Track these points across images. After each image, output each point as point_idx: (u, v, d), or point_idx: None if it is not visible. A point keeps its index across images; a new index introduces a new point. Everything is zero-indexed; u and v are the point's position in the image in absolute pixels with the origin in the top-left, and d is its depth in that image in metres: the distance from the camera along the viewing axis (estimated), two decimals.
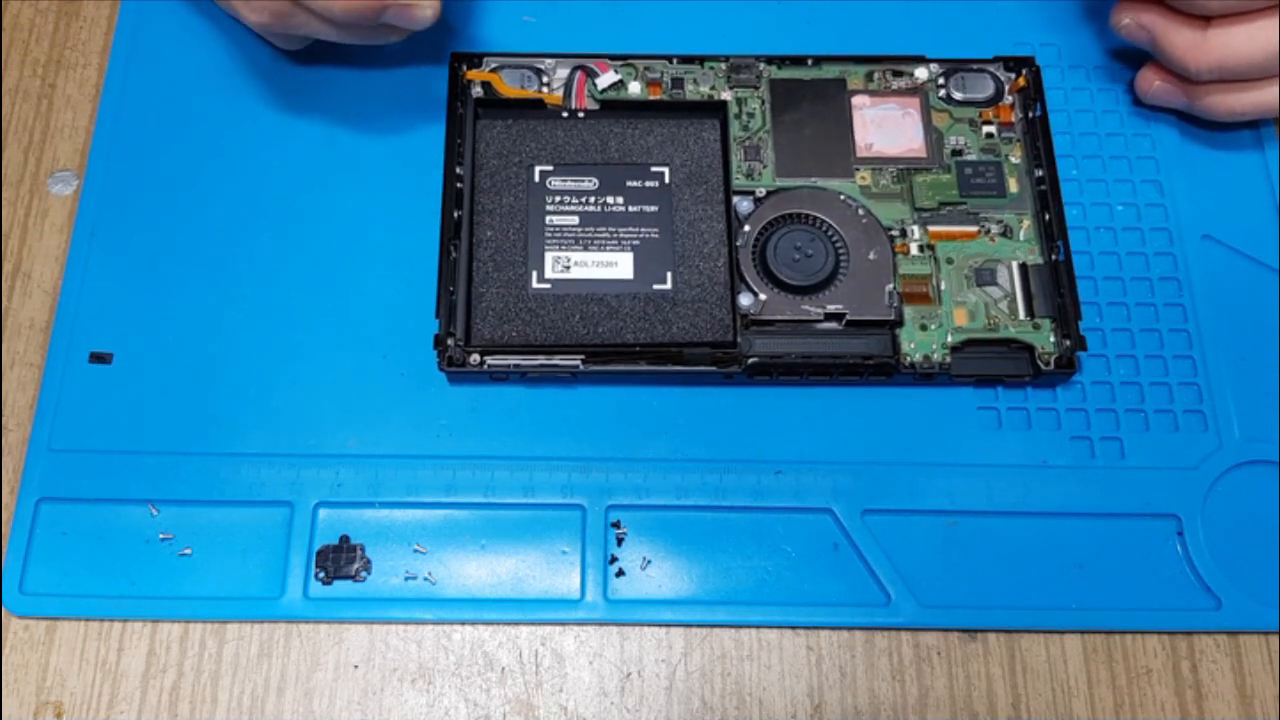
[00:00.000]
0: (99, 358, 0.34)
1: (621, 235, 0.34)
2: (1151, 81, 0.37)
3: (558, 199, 0.34)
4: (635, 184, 0.35)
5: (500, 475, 0.33)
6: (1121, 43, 0.37)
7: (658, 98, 0.36)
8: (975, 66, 0.37)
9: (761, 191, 0.35)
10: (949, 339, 0.34)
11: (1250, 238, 0.36)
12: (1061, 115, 0.38)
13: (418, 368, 0.34)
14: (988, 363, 0.34)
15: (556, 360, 0.33)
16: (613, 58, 0.37)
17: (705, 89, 0.37)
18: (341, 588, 0.31)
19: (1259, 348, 0.35)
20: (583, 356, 0.33)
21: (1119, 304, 0.35)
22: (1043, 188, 0.35)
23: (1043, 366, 0.33)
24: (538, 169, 0.35)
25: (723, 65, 0.37)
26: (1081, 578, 0.32)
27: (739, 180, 0.35)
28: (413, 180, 0.36)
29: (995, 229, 0.35)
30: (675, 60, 0.37)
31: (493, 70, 0.36)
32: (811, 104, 0.36)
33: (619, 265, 0.34)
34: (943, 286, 0.34)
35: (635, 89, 0.36)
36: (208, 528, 0.32)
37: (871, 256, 0.34)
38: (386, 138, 0.37)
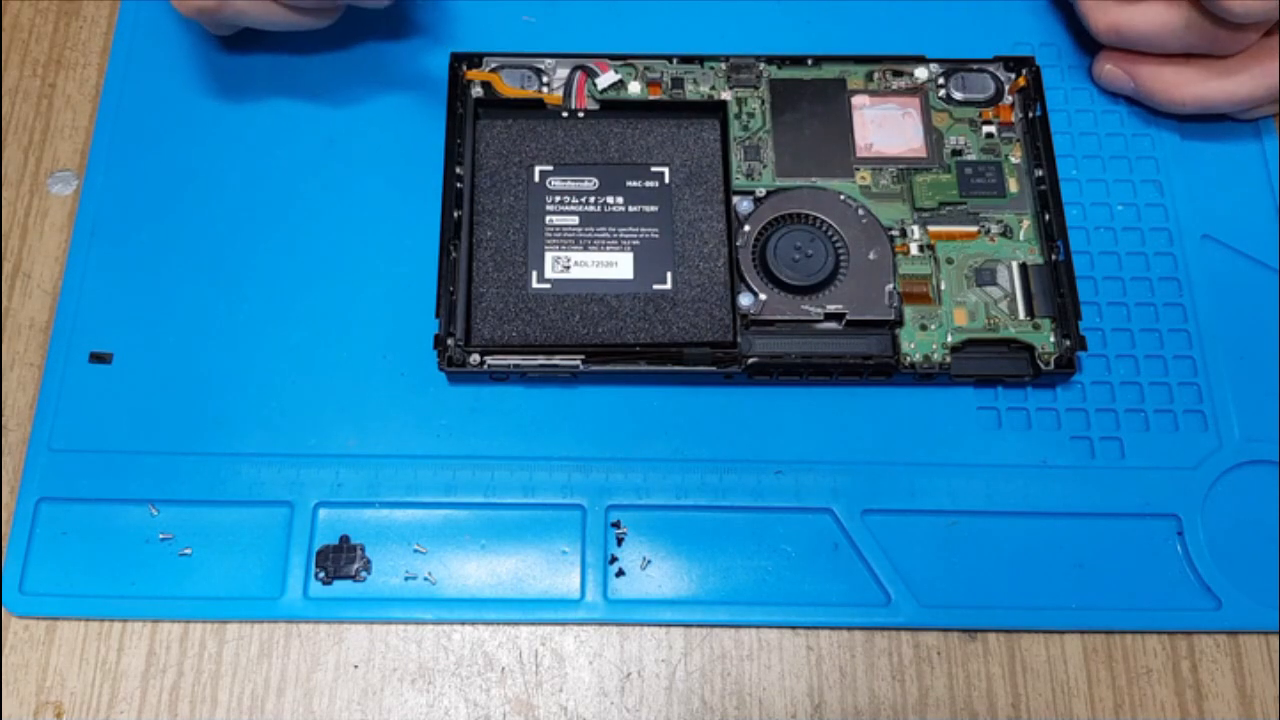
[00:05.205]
0: (99, 358, 0.34)
1: (621, 235, 0.34)
2: (1103, 65, 0.37)
3: (558, 199, 0.34)
4: (635, 184, 0.35)
5: (500, 475, 0.33)
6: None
7: (658, 98, 0.36)
8: (975, 66, 0.37)
9: (761, 191, 0.35)
10: (949, 339, 0.34)
11: (1250, 238, 0.36)
12: (1061, 115, 0.38)
13: (418, 368, 0.34)
14: (988, 363, 0.34)
15: (556, 360, 0.33)
16: (613, 58, 0.37)
17: (705, 89, 0.37)
18: (341, 588, 0.31)
19: (1259, 348, 0.35)
20: (583, 356, 0.33)
21: (1119, 304, 0.35)
22: (1043, 188, 0.35)
23: (1043, 366, 0.33)
24: (538, 169, 0.35)
25: (723, 65, 0.37)
26: (1081, 578, 0.32)
27: (739, 180, 0.35)
28: (413, 180, 0.36)
29: (995, 229, 0.35)
30: (675, 60, 0.37)
31: (493, 70, 0.36)
32: (811, 104, 0.36)
33: (619, 265, 0.34)
34: (943, 286, 0.34)
35: (635, 89, 0.36)
36: (208, 528, 0.32)
37: (871, 256, 0.34)
38: (386, 138, 0.37)
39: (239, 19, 0.34)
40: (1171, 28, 0.34)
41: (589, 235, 0.34)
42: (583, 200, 0.34)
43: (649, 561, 0.32)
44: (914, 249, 0.35)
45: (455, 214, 0.34)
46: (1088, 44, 0.39)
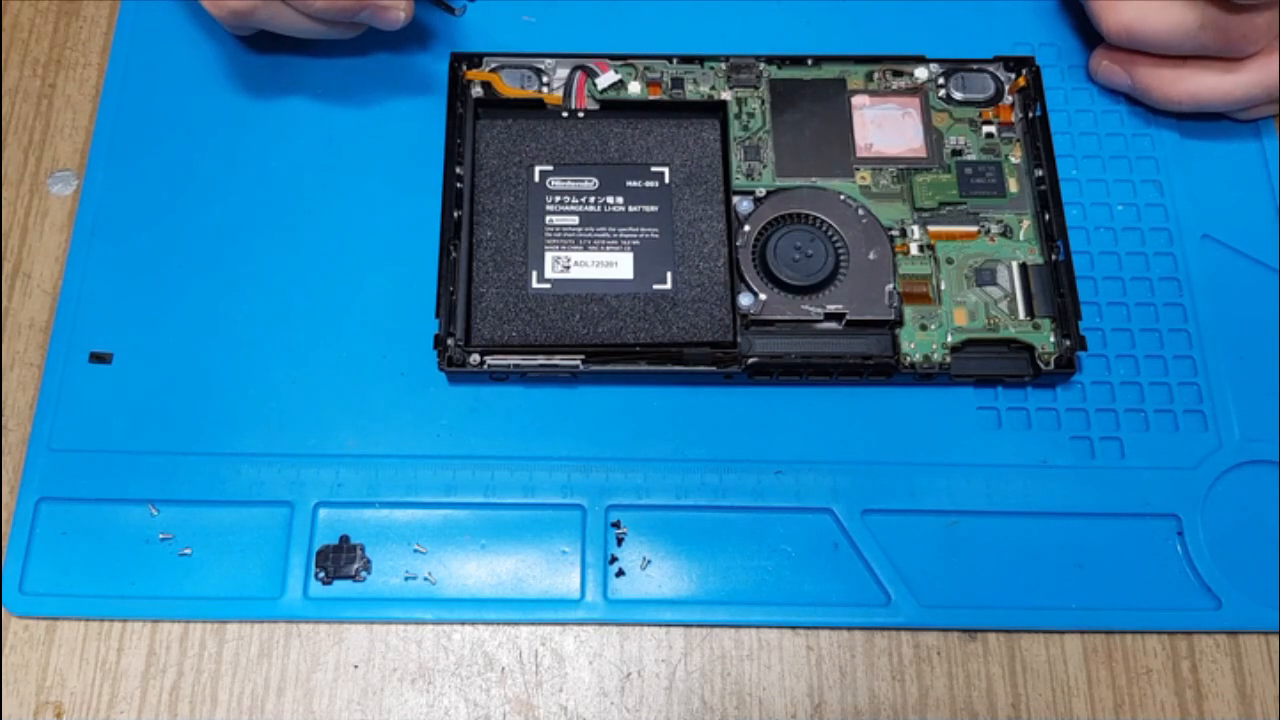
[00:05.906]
0: (99, 358, 0.34)
1: (621, 235, 0.34)
2: (1100, 60, 0.37)
3: (558, 199, 0.34)
4: (635, 184, 0.35)
5: (500, 475, 0.33)
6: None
7: (658, 98, 0.36)
8: (975, 66, 0.37)
9: (761, 191, 0.35)
10: (949, 339, 0.34)
11: (1250, 238, 0.36)
12: (1061, 115, 0.38)
13: (418, 368, 0.34)
14: (988, 363, 0.34)
15: (556, 360, 0.33)
16: (613, 58, 0.37)
17: (705, 89, 0.37)
18: (341, 588, 0.31)
19: (1259, 348, 0.35)
20: (583, 356, 0.33)
21: (1119, 304, 0.35)
22: (1043, 188, 0.35)
23: (1043, 366, 0.33)
24: (538, 169, 0.35)
25: (723, 65, 0.37)
26: (1081, 578, 0.32)
27: (739, 180, 0.35)
28: (413, 180, 0.36)
29: (995, 229, 0.35)
30: (675, 60, 0.37)
31: (493, 70, 0.36)
32: (811, 104, 0.36)
33: (619, 265, 0.34)
34: (943, 286, 0.34)
35: (635, 89, 0.36)
36: (208, 528, 0.32)
37: (871, 256, 0.34)
38: (386, 138, 0.37)
39: (268, 25, 0.34)
40: (1186, 28, 0.34)
41: (589, 235, 0.34)
42: (583, 200, 0.34)
43: (649, 561, 0.32)
44: (914, 249, 0.35)
45: (455, 214, 0.34)
46: (1088, 44, 0.39)
